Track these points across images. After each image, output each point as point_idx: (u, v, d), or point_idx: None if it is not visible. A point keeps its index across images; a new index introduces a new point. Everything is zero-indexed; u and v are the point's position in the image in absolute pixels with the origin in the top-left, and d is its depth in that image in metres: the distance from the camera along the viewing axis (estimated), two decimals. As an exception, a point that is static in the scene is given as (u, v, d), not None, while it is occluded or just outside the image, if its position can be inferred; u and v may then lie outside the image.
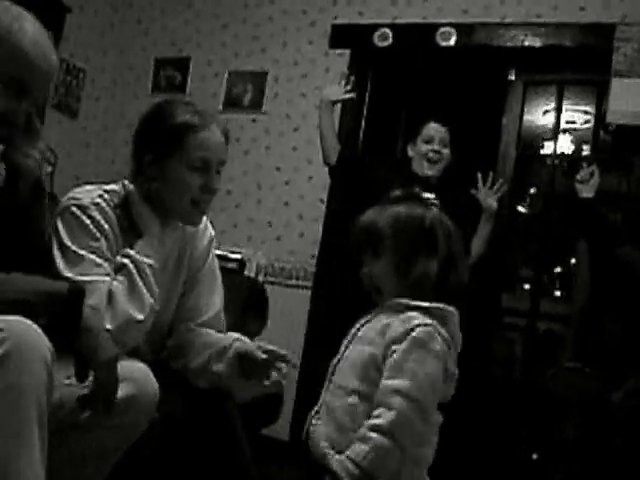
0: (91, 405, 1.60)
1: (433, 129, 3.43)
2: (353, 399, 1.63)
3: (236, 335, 2.09)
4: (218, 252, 3.59)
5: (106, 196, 2.02)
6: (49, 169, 4.32)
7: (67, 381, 1.71)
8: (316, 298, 4.19)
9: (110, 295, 1.83)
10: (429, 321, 1.60)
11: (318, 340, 4.11)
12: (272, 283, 4.23)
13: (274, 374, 1.91)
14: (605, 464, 2.62)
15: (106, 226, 1.97)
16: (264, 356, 1.90)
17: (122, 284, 1.86)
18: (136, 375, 1.79)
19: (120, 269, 1.90)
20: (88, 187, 2.05)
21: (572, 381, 2.85)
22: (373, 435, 1.54)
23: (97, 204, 1.98)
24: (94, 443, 1.78)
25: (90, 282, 1.83)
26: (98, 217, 1.95)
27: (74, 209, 1.95)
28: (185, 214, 2.06)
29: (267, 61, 4.54)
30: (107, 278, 1.87)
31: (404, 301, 1.65)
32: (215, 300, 2.23)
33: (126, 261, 1.89)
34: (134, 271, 1.87)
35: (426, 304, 1.62)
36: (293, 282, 4.26)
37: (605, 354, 2.89)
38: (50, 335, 1.50)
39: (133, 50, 4.98)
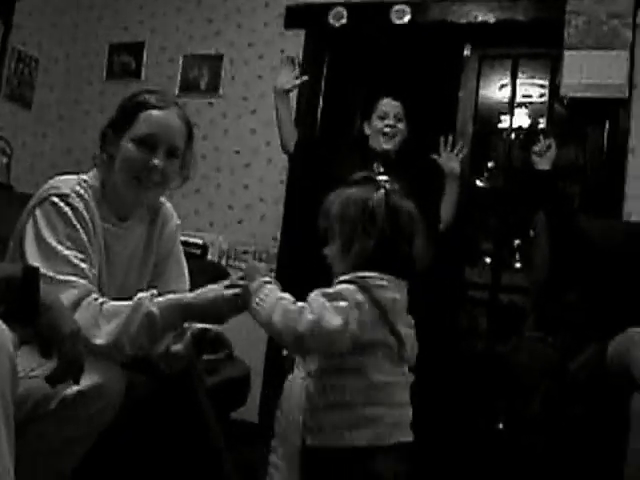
0: (60, 380, 1.58)
1: (387, 105, 3.44)
2: None
3: None
4: (180, 238, 3.61)
5: (84, 184, 2.01)
6: (4, 160, 4.31)
7: (32, 373, 1.71)
8: (279, 280, 4.14)
9: (88, 306, 1.82)
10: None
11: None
12: (234, 267, 4.23)
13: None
14: (566, 433, 2.67)
15: (87, 215, 1.96)
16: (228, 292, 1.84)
17: (117, 316, 1.82)
18: (101, 364, 1.79)
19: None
20: (64, 177, 2.05)
21: (534, 350, 2.89)
22: None
23: (77, 192, 1.97)
24: (61, 433, 1.77)
25: (63, 282, 1.83)
26: (79, 206, 1.95)
27: (54, 199, 1.93)
28: (129, 191, 2.04)
29: (222, 44, 4.51)
30: (81, 281, 1.86)
31: (341, 277, 1.77)
32: (182, 288, 2.24)
33: (141, 303, 1.83)
34: (138, 317, 1.82)
35: (347, 276, 1.74)
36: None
37: (564, 324, 2.93)
38: (10, 320, 1.49)
39: (86, 37, 4.92)
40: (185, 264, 2.33)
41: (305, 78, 3.59)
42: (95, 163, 2.11)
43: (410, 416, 1.79)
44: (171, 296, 1.87)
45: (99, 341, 1.78)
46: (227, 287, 1.82)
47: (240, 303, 1.81)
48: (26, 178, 4.61)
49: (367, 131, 3.50)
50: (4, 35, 4.33)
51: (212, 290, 1.84)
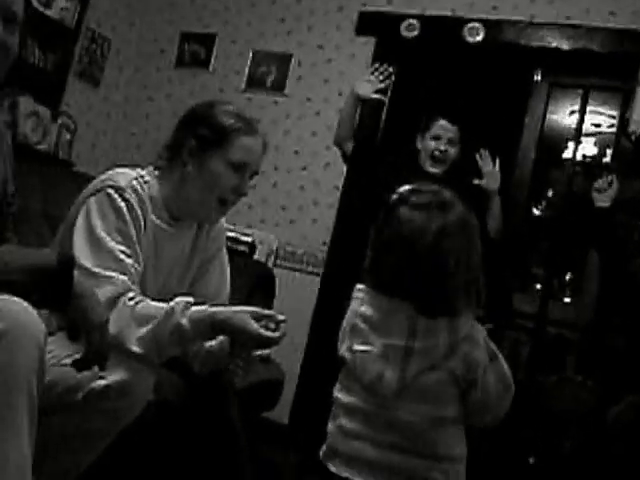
0: (85, 366, 1.61)
1: (441, 127, 3.39)
2: None
3: None
4: (230, 234, 3.64)
5: (141, 180, 2.04)
6: (68, 136, 4.38)
7: (64, 361, 1.73)
8: (325, 285, 4.18)
9: (124, 306, 1.84)
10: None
11: (323, 328, 4.11)
12: (282, 267, 4.23)
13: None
14: (599, 476, 2.61)
15: (139, 211, 1.99)
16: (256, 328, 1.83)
17: (149, 322, 1.83)
18: (131, 361, 1.80)
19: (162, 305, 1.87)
20: (122, 170, 2.08)
21: (572, 393, 2.83)
22: None
23: (133, 187, 2.00)
24: (85, 425, 1.80)
25: (103, 276, 1.84)
26: (133, 201, 1.98)
27: (110, 190, 1.97)
28: (208, 210, 2.10)
29: (292, 43, 4.51)
30: (121, 277, 1.87)
31: None
32: (222, 293, 2.26)
33: (173, 312, 1.84)
34: (168, 327, 1.82)
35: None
36: (303, 267, 4.25)
37: (607, 368, 2.87)
38: (42, 307, 1.51)
39: (159, 23, 4.95)
40: (228, 267, 2.34)
41: (382, 97, 3.56)
42: (159, 165, 2.13)
43: (375, 456, 1.62)
44: (204, 309, 1.87)
45: (132, 347, 1.79)
46: (258, 318, 1.83)
47: (263, 343, 1.86)
48: (87, 156, 4.68)
49: (418, 146, 3.47)
50: (80, 14, 4.39)
51: (244, 315, 1.83)
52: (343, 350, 1.70)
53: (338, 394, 1.72)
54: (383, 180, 3.34)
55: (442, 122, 3.40)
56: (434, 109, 3.57)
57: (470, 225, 1.67)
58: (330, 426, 1.71)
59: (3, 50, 1.63)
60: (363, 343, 1.66)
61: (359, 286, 1.72)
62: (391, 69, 3.57)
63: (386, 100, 4.09)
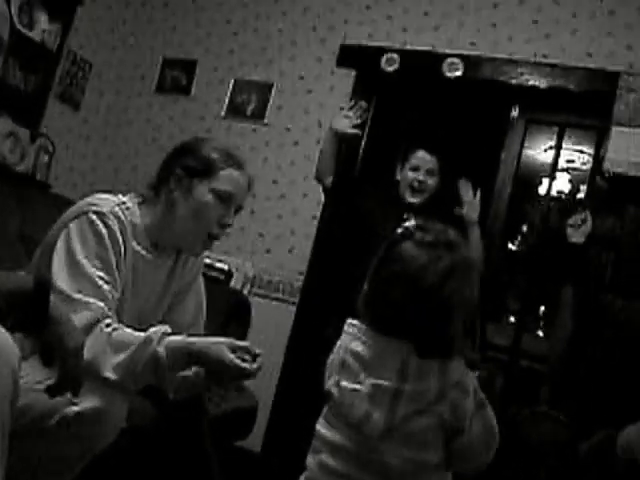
0: (59, 392, 1.59)
1: (421, 158, 3.42)
2: None
3: None
4: (206, 260, 3.64)
5: (123, 206, 2.04)
6: (46, 158, 4.36)
7: (37, 385, 1.71)
8: (300, 314, 4.19)
9: (100, 332, 1.84)
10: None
11: (298, 357, 4.11)
12: (258, 295, 4.23)
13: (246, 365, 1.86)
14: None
15: (120, 237, 1.99)
16: (232, 359, 1.85)
17: (124, 350, 1.83)
18: (104, 388, 1.79)
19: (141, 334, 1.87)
20: (104, 195, 2.09)
21: (544, 426, 2.85)
22: None
23: (115, 213, 2.00)
24: (58, 451, 1.79)
25: (80, 302, 1.84)
26: (115, 227, 1.98)
27: (92, 216, 1.97)
28: (194, 241, 2.12)
29: (273, 73, 4.54)
30: (99, 303, 1.87)
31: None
32: (198, 321, 2.27)
33: (150, 341, 1.85)
34: (144, 355, 1.83)
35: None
36: (279, 296, 4.25)
37: (579, 401, 2.89)
38: (17, 331, 1.50)
39: (141, 48, 4.98)
40: (204, 296, 2.34)
41: (358, 132, 3.57)
42: (144, 193, 2.15)
43: None
44: (181, 339, 1.87)
45: (107, 374, 1.79)
46: (234, 349, 1.85)
47: (239, 375, 1.87)
48: (65, 179, 4.67)
49: (398, 177, 3.49)
50: (62, 36, 4.40)
51: (221, 345, 1.85)
52: (330, 384, 1.66)
53: (321, 429, 1.67)
54: (363, 211, 3.37)
55: (421, 153, 3.43)
56: (413, 140, 3.61)
57: (473, 266, 1.65)
58: (310, 460, 1.66)
59: None
60: (352, 381, 1.62)
61: (352, 321, 1.68)
62: (365, 104, 3.61)
63: (363, 134, 4.14)
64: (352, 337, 1.66)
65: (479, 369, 1.68)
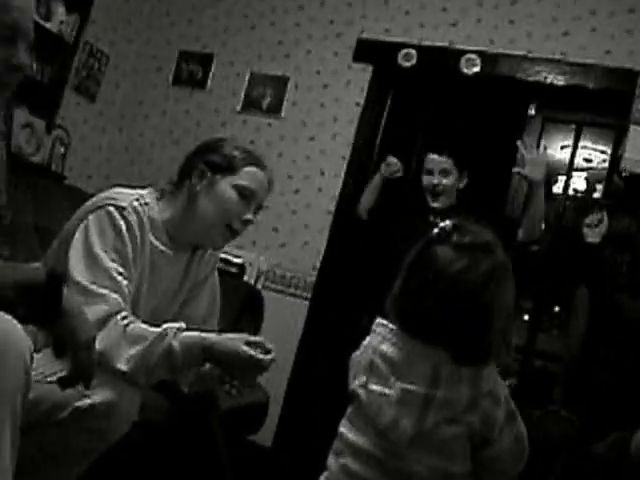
0: (71, 384, 1.59)
1: (432, 161, 3.43)
2: None
3: None
4: (220, 255, 3.63)
5: (142, 201, 2.05)
6: (61, 150, 4.38)
7: (50, 378, 1.71)
8: (313, 309, 4.19)
9: (115, 325, 1.84)
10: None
11: (310, 351, 4.12)
12: (271, 289, 4.23)
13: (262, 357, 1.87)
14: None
15: (138, 232, 1.99)
16: (247, 350, 1.86)
17: (139, 343, 1.84)
18: (118, 381, 1.79)
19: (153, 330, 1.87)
20: (123, 190, 2.10)
21: (557, 427, 2.83)
22: None
23: (134, 207, 2.01)
24: (69, 443, 1.79)
25: (96, 294, 1.85)
26: (133, 221, 1.98)
27: (111, 208, 1.98)
28: (215, 234, 2.12)
29: (290, 67, 4.53)
30: (113, 295, 1.88)
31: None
32: (212, 317, 2.28)
33: (165, 335, 1.85)
34: (158, 349, 1.83)
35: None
36: (292, 291, 4.25)
37: (592, 402, 2.87)
38: (30, 323, 1.50)
39: (158, 40, 4.98)
40: (218, 292, 2.34)
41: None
42: (163, 188, 2.16)
43: None
44: (196, 334, 1.88)
45: (120, 365, 1.79)
46: (248, 343, 1.86)
47: (254, 365, 1.86)
48: (80, 170, 4.68)
49: (423, 184, 3.49)
50: (79, 28, 4.40)
51: (235, 341, 1.87)
52: (356, 385, 1.61)
53: (345, 431, 1.62)
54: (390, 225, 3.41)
55: (431, 156, 3.44)
56: (424, 144, 3.62)
57: (510, 269, 1.58)
58: (332, 461, 1.62)
59: (22, 71, 1.64)
60: (380, 384, 1.57)
61: (382, 321, 1.63)
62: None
63: (380, 128, 4.15)
64: (382, 338, 1.61)
65: (510, 378, 1.65)
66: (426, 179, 3.43)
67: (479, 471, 1.56)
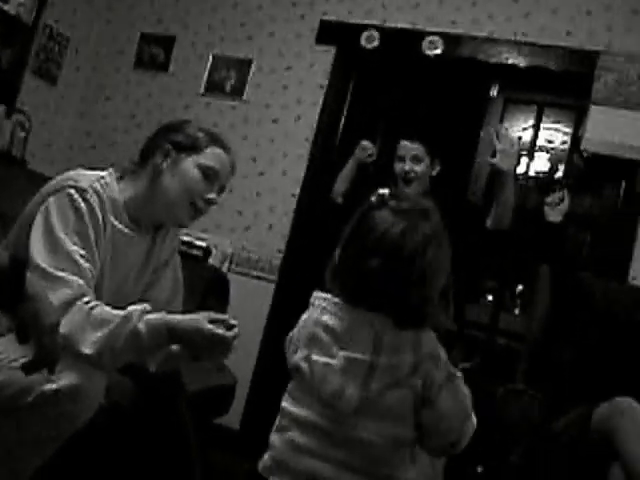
0: (35, 369, 1.59)
1: (404, 147, 3.40)
2: None
3: None
4: (184, 238, 3.63)
5: (102, 182, 2.04)
6: (22, 134, 4.32)
7: (14, 363, 1.71)
8: (279, 292, 4.19)
9: (79, 309, 1.83)
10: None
11: (276, 334, 4.10)
12: (236, 272, 4.23)
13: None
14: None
15: (99, 214, 1.98)
16: (210, 328, 1.86)
17: (104, 326, 1.83)
18: (83, 365, 1.79)
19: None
20: (84, 172, 2.08)
21: (520, 404, 2.87)
22: None
23: (95, 189, 2.00)
24: (35, 429, 1.78)
25: (59, 278, 1.83)
26: (94, 202, 1.97)
27: (71, 190, 1.96)
28: (179, 212, 2.12)
29: (252, 49, 4.51)
30: (78, 280, 1.87)
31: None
32: (176, 298, 2.28)
33: (130, 318, 1.85)
34: (124, 332, 1.83)
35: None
36: (258, 273, 4.25)
37: (554, 380, 2.92)
38: None
39: (119, 23, 4.92)
40: (181, 272, 2.34)
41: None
42: (125, 168, 2.16)
43: (329, 475, 1.53)
44: (160, 316, 1.87)
45: (85, 350, 1.78)
46: (211, 321, 1.86)
47: (217, 342, 1.86)
48: (41, 155, 4.62)
49: (394, 170, 3.45)
50: (37, 11, 4.34)
51: (198, 317, 1.87)
52: (297, 359, 1.60)
53: (288, 405, 1.62)
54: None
55: (403, 142, 3.41)
56: (391, 123, 3.61)
57: (445, 234, 1.60)
58: (276, 438, 1.61)
59: None
60: (323, 354, 1.56)
61: (320, 294, 1.63)
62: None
63: (343, 110, 4.15)
64: (321, 309, 1.60)
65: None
66: (398, 166, 3.40)
67: (424, 434, 1.57)
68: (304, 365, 1.58)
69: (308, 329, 1.61)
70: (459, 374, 1.59)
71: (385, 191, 1.62)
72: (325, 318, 1.58)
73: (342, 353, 1.55)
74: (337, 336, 1.57)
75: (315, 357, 1.57)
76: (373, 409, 1.53)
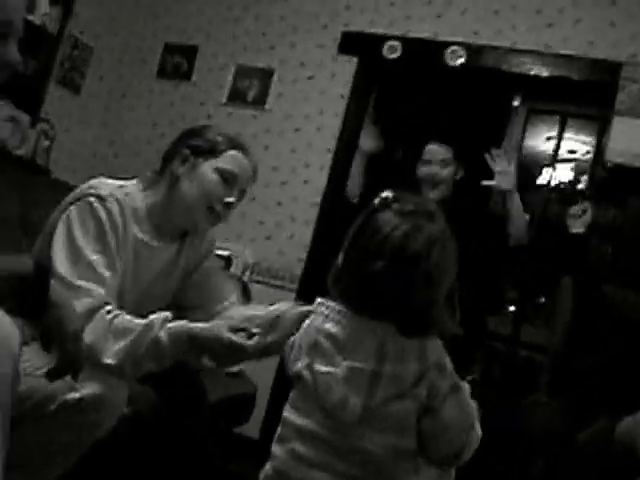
0: (58, 376, 1.59)
1: (431, 151, 3.37)
2: None
3: None
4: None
5: (124, 190, 2.05)
6: (46, 143, 4.36)
7: (38, 371, 1.71)
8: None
9: (101, 319, 1.83)
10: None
11: (297, 343, 4.11)
12: (257, 282, 4.23)
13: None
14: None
15: (120, 221, 1.99)
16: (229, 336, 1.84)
17: (125, 336, 1.83)
18: (105, 374, 1.80)
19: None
20: (105, 180, 2.09)
21: (543, 416, 2.85)
22: None
23: (116, 197, 2.01)
24: (57, 437, 1.79)
25: (81, 288, 1.84)
26: (115, 211, 1.98)
27: (92, 199, 1.98)
28: (198, 217, 2.12)
29: (274, 59, 4.52)
30: (99, 289, 1.88)
31: None
32: (210, 305, 2.25)
33: (152, 327, 1.85)
34: (145, 341, 1.83)
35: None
36: (278, 283, 4.25)
37: (578, 391, 2.89)
38: (17, 316, 1.50)
39: (142, 33, 4.95)
40: (218, 275, 2.35)
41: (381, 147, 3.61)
42: (145, 177, 2.16)
43: None
44: (182, 324, 1.87)
45: (107, 360, 1.79)
46: (233, 330, 1.84)
47: (236, 351, 1.83)
48: (65, 164, 4.65)
49: (418, 174, 3.42)
50: (62, 21, 4.37)
51: (220, 326, 1.86)
52: (299, 368, 1.54)
53: (289, 415, 1.57)
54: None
55: (431, 145, 3.38)
56: (418, 130, 3.59)
57: (451, 237, 1.55)
58: (277, 448, 1.57)
59: (13, 68, 1.63)
60: (326, 363, 1.51)
61: (322, 300, 1.58)
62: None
63: (363, 119, 4.15)
64: (324, 317, 1.55)
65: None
66: (424, 169, 3.36)
67: (425, 443, 1.52)
68: (306, 373, 1.53)
69: (310, 337, 1.56)
70: (466, 385, 1.55)
71: (388, 193, 1.58)
72: (328, 326, 1.54)
73: (345, 363, 1.50)
74: (340, 345, 1.52)
75: (317, 366, 1.52)
76: (376, 420, 1.49)
